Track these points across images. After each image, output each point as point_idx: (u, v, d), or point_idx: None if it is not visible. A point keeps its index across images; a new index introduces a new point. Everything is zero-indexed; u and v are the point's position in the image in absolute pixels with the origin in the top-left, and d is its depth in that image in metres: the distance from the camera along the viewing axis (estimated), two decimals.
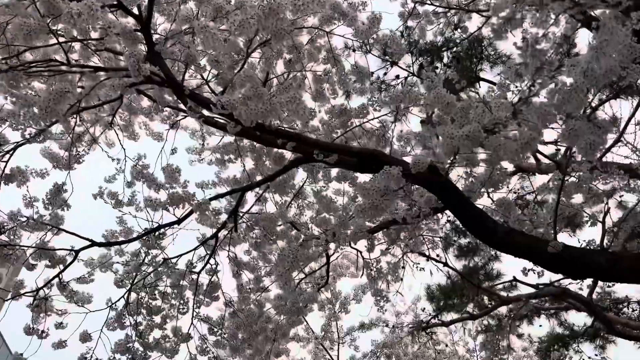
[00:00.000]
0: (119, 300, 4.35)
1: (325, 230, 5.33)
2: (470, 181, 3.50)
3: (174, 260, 4.49)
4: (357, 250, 5.75)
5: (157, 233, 4.12)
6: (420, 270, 6.25)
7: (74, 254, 3.87)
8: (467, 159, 3.43)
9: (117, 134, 5.08)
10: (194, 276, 4.90)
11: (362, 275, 5.72)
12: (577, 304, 8.22)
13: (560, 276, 7.92)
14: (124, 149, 4.69)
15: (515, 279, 7.05)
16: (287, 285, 3.89)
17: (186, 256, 4.71)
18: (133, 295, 4.48)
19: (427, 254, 6.77)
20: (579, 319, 9.41)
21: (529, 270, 4.48)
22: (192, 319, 5.04)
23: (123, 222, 4.71)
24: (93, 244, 3.88)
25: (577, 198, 3.80)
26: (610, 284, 6.12)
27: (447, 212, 8.07)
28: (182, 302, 4.57)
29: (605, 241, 3.83)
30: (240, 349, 5.13)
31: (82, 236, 3.84)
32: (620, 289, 8.38)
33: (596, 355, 8.79)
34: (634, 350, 8.81)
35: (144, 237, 4.13)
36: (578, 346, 8.83)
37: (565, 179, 3.24)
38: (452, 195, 3.48)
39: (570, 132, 2.49)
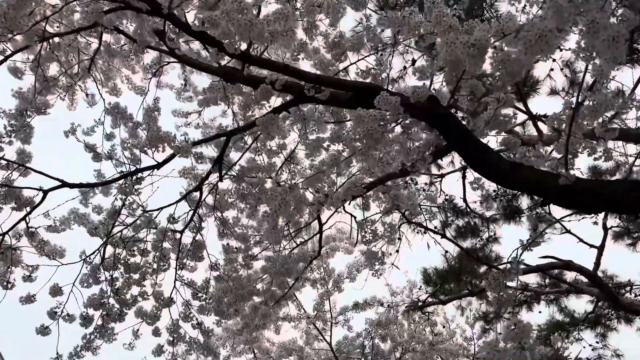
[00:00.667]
0: (93, 254, 4.03)
1: (317, 191, 5.05)
2: (472, 110, 3.22)
3: (154, 214, 4.18)
4: (351, 215, 5.47)
5: (134, 177, 3.81)
6: (417, 232, 5.97)
7: (42, 194, 3.56)
8: (471, 87, 3.15)
9: (97, 86, 4.79)
10: (177, 236, 4.59)
11: (356, 243, 5.44)
12: (579, 285, 7.97)
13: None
14: (103, 99, 4.39)
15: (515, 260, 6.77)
16: (275, 233, 3.60)
17: (168, 212, 4.41)
18: (110, 251, 4.17)
19: (424, 225, 6.49)
20: (580, 306, 9.14)
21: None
22: (174, 282, 4.73)
23: (101, 175, 4.41)
24: (64, 184, 3.57)
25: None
26: (625, 222, 5.84)
27: (446, 193, 7.82)
28: (162, 258, 4.25)
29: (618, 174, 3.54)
30: (226, 315, 4.82)
31: (51, 176, 3.53)
32: (623, 273, 8.12)
33: (597, 342, 8.52)
34: (636, 337, 8.54)
35: (120, 182, 3.82)
36: (579, 334, 8.54)
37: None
38: (453, 128, 3.20)
39: (590, 26, 2.21)
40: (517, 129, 7.44)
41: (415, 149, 3.39)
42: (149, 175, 3.91)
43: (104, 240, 3.98)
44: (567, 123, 3.03)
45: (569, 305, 8.80)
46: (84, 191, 4.39)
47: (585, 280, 7.63)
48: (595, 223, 6.14)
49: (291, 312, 7.33)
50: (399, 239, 6.34)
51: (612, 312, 8.26)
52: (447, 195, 7.80)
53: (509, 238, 8.74)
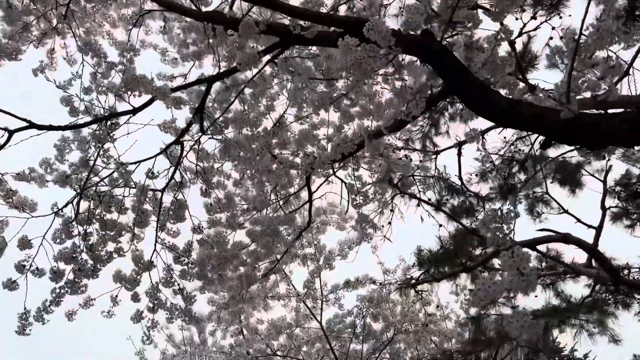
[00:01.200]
0: (66, 206, 3.80)
1: (305, 154, 4.84)
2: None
3: (131, 168, 3.95)
4: (342, 181, 5.26)
5: (109, 122, 3.58)
6: (411, 201, 5.76)
7: (7, 134, 3.33)
8: (467, 17, 2.95)
9: (77, 42, 4.56)
10: (157, 195, 4.36)
11: (347, 209, 5.23)
12: (576, 266, 7.77)
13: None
14: (79, 44, 4.15)
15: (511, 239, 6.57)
16: (257, 175, 3.37)
17: (147, 168, 4.17)
18: (85, 207, 3.93)
19: (418, 196, 6.29)
20: (577, 290, 8.95)
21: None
22: (154, 244, 4.50)
23: (78, 131, 4.18)
24: (31, 125, 3.33)
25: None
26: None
27: (440, 170, 7.60)
28: (141, 214, 4.01)
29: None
30: (210, 281, 4.60)
31: (18, 116, 3.30)
32: (622, 257, 7.94)
33: (594, 328, 8.33)
34: (634, 322, 8.36)
35: (94, 128, 3.58)
36: (576, 319, 8.34)
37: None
38: (449, 63, 2.99)
39: None
40: None
41: (408, 89, 3.17)
42: (125, 123, 3.68)
43: (78, 192, 3.75)
44: (570, 56, 2.83)
45: (566, 290, 8.61)
46: (59, 147, 4.16)
47: (582, 262, 7.46)
48: (603, 157, 6.02)
49: (280, 290, 7.13)
50: (392, 210, 6.14)
51: (610, 297, 8.09)
52: (442, 172, 7.57)
53: None
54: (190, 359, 6.55)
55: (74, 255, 3.72)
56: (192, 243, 4.63)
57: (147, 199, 4.37)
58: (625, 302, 7.95)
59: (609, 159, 7.65)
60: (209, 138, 3.95)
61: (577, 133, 2.67)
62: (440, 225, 6.58)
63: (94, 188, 3.84)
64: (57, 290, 3.67)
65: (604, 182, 7.50)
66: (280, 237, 4.70)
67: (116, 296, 4.56)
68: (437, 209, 6.28)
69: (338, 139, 4.33)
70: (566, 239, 5.97)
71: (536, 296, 9.01)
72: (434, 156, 7.56)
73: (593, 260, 6.96)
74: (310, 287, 6.95)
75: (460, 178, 7.54)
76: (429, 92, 3.38)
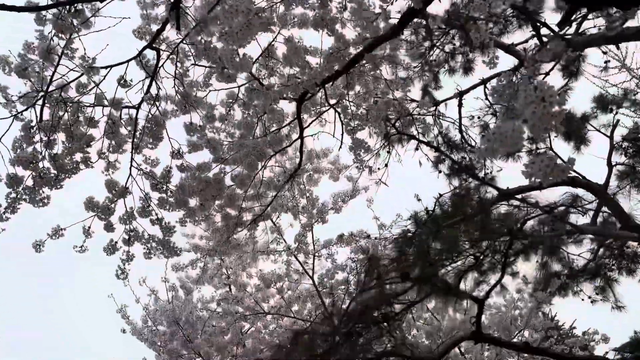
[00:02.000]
0: (27, 109, 3.41)
1: (295, 76, 4.46)
2: None
3: (102, 72, 3.55)
4: (335, 110, 4.89)
5: (72, 9, 3.18)
6: (407, 141, 5.40)
7: None
8: None
9: None
10: (132, 115, 3.98)
11: (341, 144, 4.84)
12: (579, 225, 7.45)
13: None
14: None
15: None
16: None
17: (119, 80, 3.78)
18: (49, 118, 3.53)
19: (417, 137, 5.92)
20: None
21: None
22: (130, 168, 4.13)
23: (44, 37, 3.78)
24: None
25: None
26: None
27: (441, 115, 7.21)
28: (112, 125, 3.63)
29: None
30: (191, 211, 4.24)
31: None
32: None
33: (597, 294, 8.04)
34: (637, 288, 8.07)
35: (55, 16, 3.17)
36: (577, 286, 8.04)
37: None
38: None
39: None
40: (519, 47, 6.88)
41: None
42: (93, 16, 3.29)
43: (41, 91, 3.34)
44: None
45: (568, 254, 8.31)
46: (23, 57, 3.75)
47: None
48: (611, 110, 5.66)
49: (271, 245, 6.77)
50: (389, 152, 5.77)
51: (614, 262, 7.78)
52: (441, 129, 7.17)
53: (508, 177, 8.22)
54: (175, 310, 6.20)
55: (34, 161, 3.33)
56: (171, 169, 4.25)
57: (121, 119, 3.99)
58: (629, 268, 7.64)
59: (616, 112, 7.30)
60: (187, 40, 3.55)
61: None
62: (440, 172, 6.23)
63: (59, 92, 3.44)
64: (13, 196, 3.28)
65: (611, 137, 7.16)
66: (265, 158, 4.33)
67: (89, 227, 4.19)
68: (436, 150, 5.93)
69: (331, 48, 3.97)
70: (574, 182, 5.64)
71: (537, 261, 8.70)
72: (433, 108, 7.19)
73: (598, 220, 6.66)
74: (302, 241, 6.60)
75: (460, 131, 7.18)
76: None
